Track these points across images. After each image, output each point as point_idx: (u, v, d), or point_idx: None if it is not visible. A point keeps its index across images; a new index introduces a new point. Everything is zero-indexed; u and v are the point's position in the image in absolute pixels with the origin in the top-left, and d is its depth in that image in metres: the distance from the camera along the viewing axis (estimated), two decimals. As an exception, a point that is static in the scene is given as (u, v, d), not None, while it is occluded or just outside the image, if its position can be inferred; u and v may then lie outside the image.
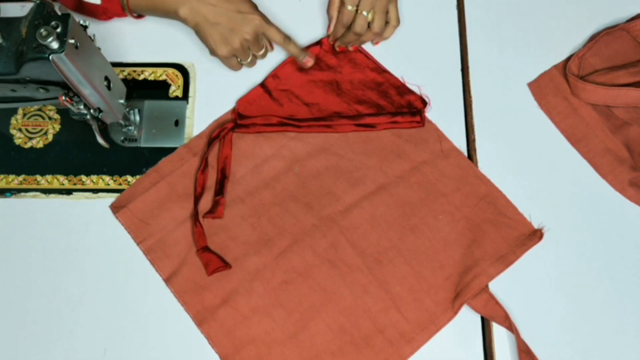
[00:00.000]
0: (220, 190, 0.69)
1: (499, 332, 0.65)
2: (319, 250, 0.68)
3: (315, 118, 0.73)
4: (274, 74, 0.75)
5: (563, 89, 0.74)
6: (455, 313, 0.65)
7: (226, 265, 0.66)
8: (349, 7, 0.70)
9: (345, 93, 0.74)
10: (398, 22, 0.74)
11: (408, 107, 0.73)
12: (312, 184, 0.71)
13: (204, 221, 0.69)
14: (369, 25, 0.72)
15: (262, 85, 0.75)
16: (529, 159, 0.72)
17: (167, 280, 0.67)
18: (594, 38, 0.76)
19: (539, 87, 0.75)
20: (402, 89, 0.74)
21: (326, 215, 0.69)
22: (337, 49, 0.75)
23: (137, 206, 0.69)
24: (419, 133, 0.73)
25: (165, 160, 0.72)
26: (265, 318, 0.65)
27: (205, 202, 0.70)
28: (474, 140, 0.73)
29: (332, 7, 0.73)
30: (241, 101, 0.74)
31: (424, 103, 0.73)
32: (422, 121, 0.73)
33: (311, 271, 0.67)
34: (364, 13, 0.70)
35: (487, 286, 0.66)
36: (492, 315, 0.65)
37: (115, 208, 0.70)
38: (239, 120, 0.72)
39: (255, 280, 0.66)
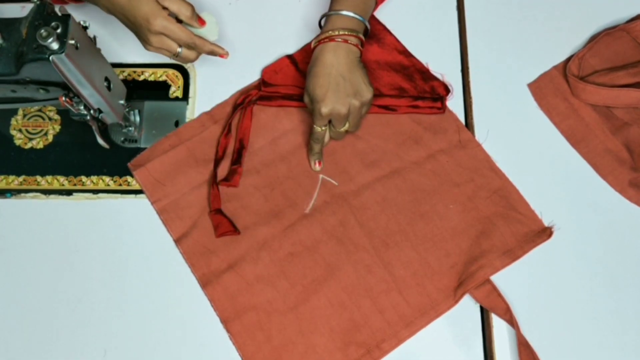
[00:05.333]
0: (237, 159, 0.71)
1: (499, 332, 0.65)
2: (328, 226, 0.69)
3: None
4: (302, 50, 0.76)
5: (563, 89, 0.74)
6: (457, 301, 0.65)
7: (235, 230, 0.68)
8: (319, 129, 0.66)
9: (371, 72, 0.75)
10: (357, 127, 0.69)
11: (431, 92, 0.73)
12: (327, 161, 0.71)
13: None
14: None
15: (289, 56, 0.76)
16: (529, 159, 0.72)
17: (177, 241, 0.68)
18: (594, 39, 0.76)
19: (539, 88, 0.75)
20: (427, 75, 0.75)
21: (338, 193, 0.70)
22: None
23: (155, 166, 0.70)
24: (439, 122, 0.73)
25: (186, 125, 0.73)
26: (268, 287, 0.66)
27: (222, 170, 0.71)
28: (474, 140, 0.73)
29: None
30: (267, 69, 0.75)
31: (447, 90, 0.74)
32: (443, 108, 0.73)
33: (318, 246, 0.68)
34: (340, 129, 0.67)
35: (490, 278, 0.66)
36: (492, 307, 0.65)
37: (133, 166, 0.71)
38: (263, 87, 0.73)
39: (263, 250, 0.68)
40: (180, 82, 0.76)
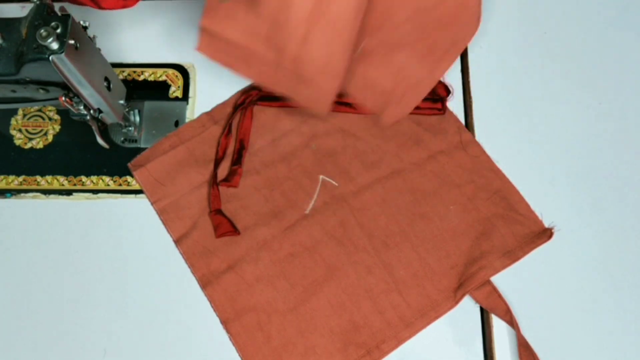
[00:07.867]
0: (238, 160, 0.71)
1: (499, 332, 0.65)
2: (328, 227, 0.69)
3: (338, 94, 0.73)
4: None
5: None
6: (457, 302, 0.65)
7: (235, 230, 0.68)
8: None
9: None
10: None
11: (431, 93, 0.73)
12: (327, 161, 0.72)
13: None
14: None
15: None
16: (529, 160, 0.72)
17: (177, 242, 0.68)
18: None
19: None
20: None
21: (338, 194, 0.70)
22: None
23: (155, 167, 0.71)
24: (439, 123, 0.73)
25: (186, 125, 0.73)
26: (268, 288, 0.66)
27: (222, 170, 0.71)
28: (474, 140, 0.73)
29: None
30: None
31: (447, 91, 0.74)
32: (443, 109, 0.73)
33: (318, 247, 0.68)
34: None
35: (490, 279, 0.66)
36: (493, 308, 0.65)
37: (134, 167, 0.71)
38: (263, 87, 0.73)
39: (263, 250, 0.68)
40: (180, 82, 0.76)
